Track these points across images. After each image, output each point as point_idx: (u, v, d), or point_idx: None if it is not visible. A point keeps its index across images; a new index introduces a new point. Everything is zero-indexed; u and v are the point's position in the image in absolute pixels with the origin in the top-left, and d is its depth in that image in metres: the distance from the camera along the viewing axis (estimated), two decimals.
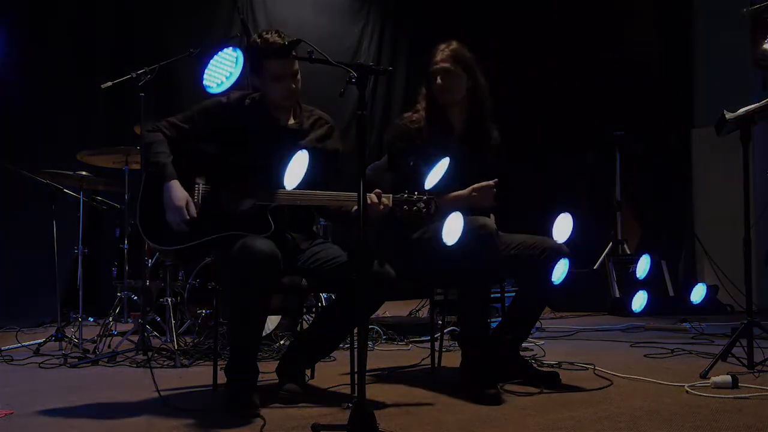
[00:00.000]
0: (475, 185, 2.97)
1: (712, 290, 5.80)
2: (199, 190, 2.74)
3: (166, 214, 2.65)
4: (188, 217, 2.64)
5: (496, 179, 2.97)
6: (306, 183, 2.69)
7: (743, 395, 2.65)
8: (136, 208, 2.75)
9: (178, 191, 2.66)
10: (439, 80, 3.02)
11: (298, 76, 2.82)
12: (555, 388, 2.85)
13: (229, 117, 2.82)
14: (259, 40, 2.76)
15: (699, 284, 4.88)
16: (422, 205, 2.63)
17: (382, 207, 2.62)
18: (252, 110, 2.86)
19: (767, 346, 3.22)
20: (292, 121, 2.92)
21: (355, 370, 2.73)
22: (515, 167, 3.69)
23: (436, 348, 3.42)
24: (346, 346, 3.22)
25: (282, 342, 3.94)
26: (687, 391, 2.74)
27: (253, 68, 2.82)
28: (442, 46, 3.06)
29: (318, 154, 2.88)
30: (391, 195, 2.64)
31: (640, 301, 5.65)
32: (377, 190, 2.62)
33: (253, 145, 2.80)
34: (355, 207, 2.64)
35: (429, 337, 3.50)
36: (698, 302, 5.68)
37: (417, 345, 4.15)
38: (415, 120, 3.07)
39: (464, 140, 3.09)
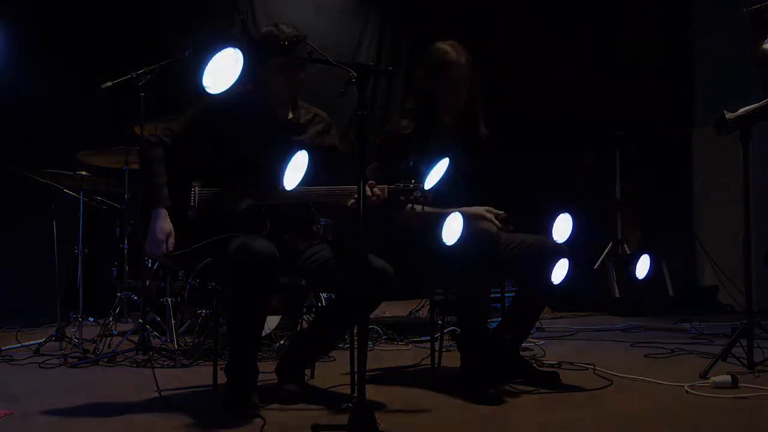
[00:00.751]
0: (488, 213, 2.95)
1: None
2: (195, 193, 2.74)
3: (146, 242, 2.66)
4: (165, 252, 2.64)
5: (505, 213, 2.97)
6: (306, 181, 2.69)
7: (743, 395, 2.65)
8: (136, 215, 2.75)
9: (163, 222, 2.65)
10: (460, 91, 3.01)
11: (305, 68, 2.82)
12: (555, 388, 2.85)
13: (227, 114, 2.81)
14: (275, 30, 2.75)
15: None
16: (419, 194, 2.63)
17: (374, 198, 2.61)
18: (250, 106, 2.86)
19: (767, 346, 3.22)
20: (290, 116, 2.92)
21: (355, 370, 2.73)
22: (508, 162, 3.69)
23: (436, 348, 3.42)
24: (347, 346, 3.22)
25: (282, 342, 3.94)
26: (687, 391, 2.74)
27: (262, 58, 2.80)
28: (453, 52, 3.00)
29: (317, 150, 2.89)
30: (386, 186, 2.64)
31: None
32: (370, 182, 2.62)
33: (251, 140, 2.79)
34: (351, 201, 2.64)
35: (429, 337, 3.50)
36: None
37: (417, 345, 4.15)
38: (405, 125, 3.06)
39: (455, 138, 3.08)
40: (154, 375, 2.80)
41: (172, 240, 2.64)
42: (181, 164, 2.76)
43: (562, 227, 2.96)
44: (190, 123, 2.83)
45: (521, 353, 3.17)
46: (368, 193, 2.59)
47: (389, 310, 5.28)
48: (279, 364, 2.87)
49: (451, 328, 4.10)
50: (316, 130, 2.95)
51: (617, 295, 6.00)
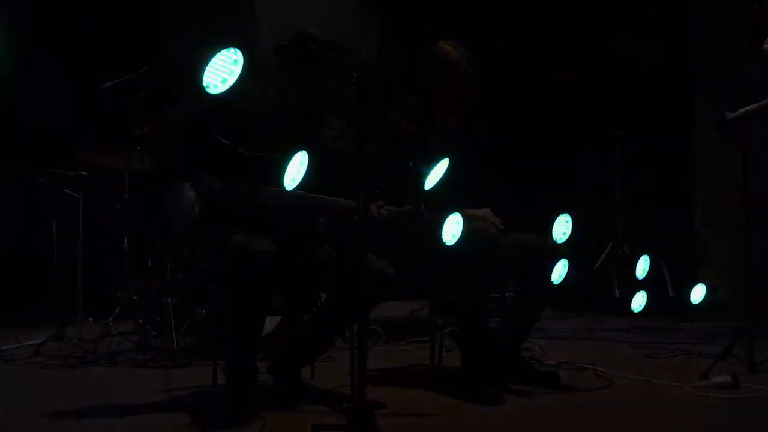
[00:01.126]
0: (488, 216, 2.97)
1: (711, 290, 5.79)
2: (204, 186, 2.74)
3: (174, 213, 2.66)
4: (194, 218, 2.63)
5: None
6: (307, 182, 2.69)
7: (743, 395, 2.65)
8: (149, 206, 2.76)
9: (189, 191, 2.65)
10: (461, 91, 3.01)
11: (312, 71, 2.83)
12: (555, 388, 2.85)
13: (228, 113, 2.81)
14: (316, 32, 2.77)
15: (699, 284, 4.84)
16: (429, 216, 2.64)
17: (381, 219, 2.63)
18: (253, 105, 2.85)
19: (767, 346, 3.22)
20: (299, 117, 2.92)
21: (355, 370, 2.73)
22: (508, 163, 3.71)
23: (436, 348, 3.42)
24: (347, 346, 3.21)
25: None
26: (687, 391, 2.74)
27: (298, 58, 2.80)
28: (455, 52, 3.00)
29: (322, 154, 2.88)
30: (393, 209, 2.64)
31: (639, 300, 5.64)
32: (379, 202, 2.62)
33: (251, 140, 2.79)
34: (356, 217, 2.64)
35: (429, 337, 3.50)
36: (698, 302, 5.68)
37: (417, 345, 4.15)
38: (405, 125, 3.06)
39: (455, 138, 3.08)
40: (163, 374, 2.79)
41: (196, 209, 2.64)
42: (190, 155, 2.76)
43: (562, 227, 2.96)
44: (192, 121, 2.83)
45: (521, 353, 3.17)
46: (375, 214, 2.59)
47: (389, 310, 5.27)
48: (273, 364, 2.87)
49: (451, 328, 4.09)
50: (332, 134, 2.95)
51: (617, 295, 5.99)
